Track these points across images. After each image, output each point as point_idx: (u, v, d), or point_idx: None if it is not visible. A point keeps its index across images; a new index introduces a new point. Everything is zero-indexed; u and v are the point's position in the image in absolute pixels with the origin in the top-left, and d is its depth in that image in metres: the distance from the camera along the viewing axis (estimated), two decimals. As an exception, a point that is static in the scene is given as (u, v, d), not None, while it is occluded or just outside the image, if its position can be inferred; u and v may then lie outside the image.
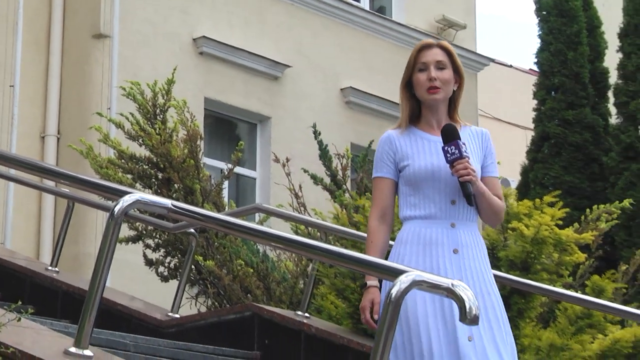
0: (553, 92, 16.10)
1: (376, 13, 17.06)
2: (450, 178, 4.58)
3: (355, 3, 16.75)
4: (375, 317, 4.52)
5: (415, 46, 4.87)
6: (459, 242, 4.57)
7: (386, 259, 4.81)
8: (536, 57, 16.51)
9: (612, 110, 16.20)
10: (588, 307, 8.33)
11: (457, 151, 4.52)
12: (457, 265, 4.54)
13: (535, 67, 17.39)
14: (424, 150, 4.69)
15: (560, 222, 8.09)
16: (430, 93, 4.72)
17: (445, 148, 4.56)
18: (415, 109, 4.83)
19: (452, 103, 4.85)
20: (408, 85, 4.83)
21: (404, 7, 17.44)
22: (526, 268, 7.96)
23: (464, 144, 4.58)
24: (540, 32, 16.51)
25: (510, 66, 24.53)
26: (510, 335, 4.63)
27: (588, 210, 9.71)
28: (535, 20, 16.69)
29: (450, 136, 4.59)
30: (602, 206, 9.88)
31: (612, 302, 8.47)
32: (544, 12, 16.44)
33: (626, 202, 10.09)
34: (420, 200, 4.64)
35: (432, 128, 4.75)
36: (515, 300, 7.88)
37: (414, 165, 4.67)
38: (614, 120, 16.18)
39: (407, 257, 4.60)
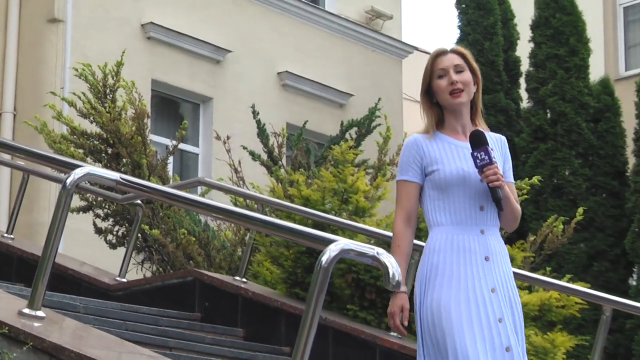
0: (471, 78, 16.17)
1: (310, 3, 17.03)
2: (479, 184, 4.33)
3: (291, -6, 16.72)
4: (405, 323, 4.26)
5: (432, 54, 4.55)
6: (489, 249, 4.31)
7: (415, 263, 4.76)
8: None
9: (524, 95, 16.33)
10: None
11: (486, 157, 4.28)
12: (490, 273, 4.27)
13: (454, 55, 17.45)
14: (452, 156, 4.39)
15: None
16: (454, 97, 4.42)
17: (475, 154, 4.31)
18: (438, 115, 4.52)
19: (473, 106, 4.53)
20: (427, 94, 4.54)
21: (336, -2, 17.45)
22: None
23: (492, 149, 4.32)
24: (459, 24, 16.60)
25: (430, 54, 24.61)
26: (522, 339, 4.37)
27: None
28: (455, 12, 16.78)
29: (479, 142, 4.33)
30: (513, 182, 9.95)
31: (521, 269, 8.57)
32: (463, 5, 16.52)
33: (535, 179, 10.20)
34: (450, 205, 4.37)
35: (458, 133, 4.47)
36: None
37: (444, 170, 4.37)
38: (525, 104, 16.32)
39: (441, 265, 4.28)
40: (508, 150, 4.55)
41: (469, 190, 4.34)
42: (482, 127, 4.49)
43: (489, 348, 4.14)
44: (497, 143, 4.50)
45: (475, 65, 4.50)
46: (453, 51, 4.51)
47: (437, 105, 4.51)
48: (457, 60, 4.46)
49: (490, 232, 4.34)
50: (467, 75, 4.44)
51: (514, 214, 4.42)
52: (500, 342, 4.17)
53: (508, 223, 4.44)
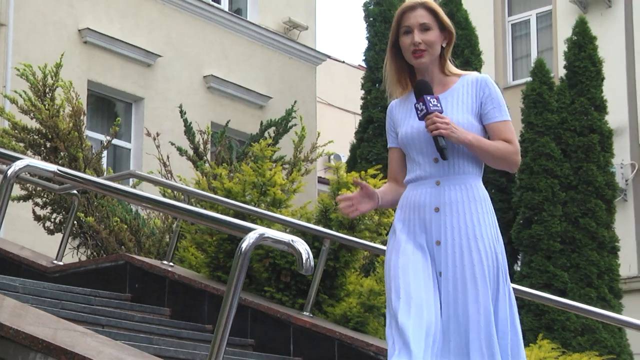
0: (377, 85, 16.27)
1: (234, 14, 17.00)
2: (430, 136, 3.76)
3: (216, 4, 16.68)
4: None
5: (399, 8, 3.93)
6: (441, 200, 3.75)
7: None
8: (364, 55, 16.65)
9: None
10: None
11: (424, 107, 3.72)
12: (437, 224, 3.73)
13: (363, 64, 17.54)
14: (409, 115, 3.88)
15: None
16: (416, 57, 3.84)
17: (416, 105, 3.77)
18: (408, 71, 3.94)
19: (442, 58, 3.93)
20: (396, 47, 3.93)
21: (257, 9, 17.42)
22: (352, 228, 8.05)
23: (435, 97, 3.75)
24: (367, 35, 16.65)
25: (343, 62, 24.72)
26: (487, 294, 3.70)
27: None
28: (364, 24, 16.84)
29: (419, 92, 3.78)
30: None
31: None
32: (371, 19, 16.59)
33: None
34: (411, 164, 3.87)
35: None
36: (342, 254, 7.97)
37: (401, 132, 3.89)
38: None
39: (395, 224, 3.85)
40: (491, 89, 3.87)
41: (420, 144, 3.82)
42: (454, 72, 3.93)
43: (426, 301, 3.66)
44: (472, 85, 3.87)
45: (445, 20, 3.91)
46: (422, 6, 3.90)
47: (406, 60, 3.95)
48: (425, 17, 3.87)
49: (448, 182, 3.78)
50: (432, 35, 3.86)
51: (491, 155, 3.79)
52: (436, 297, 3.69)
53: (495, 164, 3.84)
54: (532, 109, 14.65)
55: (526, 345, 9.58)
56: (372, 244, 7.83)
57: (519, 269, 14.73)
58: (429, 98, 3.74)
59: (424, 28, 3.85)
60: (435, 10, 3.90)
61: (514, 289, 8.26)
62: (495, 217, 3.84)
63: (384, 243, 8.81)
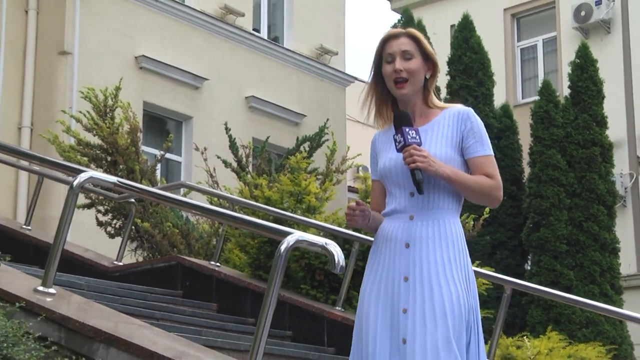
0: (400, 103, 16.23)
1: (271, 41, 17.03)
2: (407, 169, 3.27)
3: (256, 33, 16.71)
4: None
5: (382, 36, 3.44)
6: (412, 235, 3.26)
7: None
8: (388, 77, 16.62)
9: (442, 117, 16.40)
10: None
11: (402, 138, 3.25)
12: (406, 260, 3.24)
13: (387, 85, 17.50)
14: (389, 146, 3.39)
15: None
16: (398, 88, 3.36)
17: (394, 137, 3.29)
18: (391, 102, 3.45)
19: (426, 90, 3.43)
20: (379, 77, 3.44)
21: (293, 37, 17.44)
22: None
23: (414, 130, 3.26)
24: (391, 59, 16.62)
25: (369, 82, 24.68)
26: (444, 331, 3.15)
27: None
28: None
29: (398, 124, 3.30)
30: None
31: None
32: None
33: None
34: (389, 197, 3.40)
35: None
36: (370, 255, 7.93)
37: (380, 163, 3.42)
38: (443, 124, 16.38)
39: (370, 258, 3.44)
40: (473, 122, 3.36)
41: (397, 178, 3.34)
42: (438, 105, 3.43)
43: (390, 341, 3.20)
44: (454, 118, 3.37)
45: (429, 49, 3.41)
46: (405, 34, 3.41)
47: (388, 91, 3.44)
48: (407, 45, 3.37)
49: (421, 217, 3.29)
50: (414, 63, 3.36)
51: (470, 190, 3.29)
52: (398, 335, 3.19)
53: (475, 199, 3.36)
54: (540, 124, 14.57)
55: (536, 336, 9.51)
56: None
57: (528, 268, 14.62)
58: (407, 130, 3.27)
59: (407, 56, 3.37)
60: (418, 39, 3.41)
61: (525, 286, 8.21)
62: (469, 256, 3.35)
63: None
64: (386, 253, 3.32)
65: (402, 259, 3.27)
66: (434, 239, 3.25)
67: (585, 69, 14.76)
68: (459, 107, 3.41)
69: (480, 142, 3.35)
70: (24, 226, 9.30)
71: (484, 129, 3.38)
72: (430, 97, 3.43)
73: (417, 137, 3.27)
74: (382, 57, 3.41)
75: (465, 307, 3.21)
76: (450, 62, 16.03)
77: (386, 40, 3.40)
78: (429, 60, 3.40)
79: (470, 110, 3.41)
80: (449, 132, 3.34)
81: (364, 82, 24.19)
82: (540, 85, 15.44)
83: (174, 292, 7.98)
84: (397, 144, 3.28)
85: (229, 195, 9.26)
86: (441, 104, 3.44)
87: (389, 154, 3.38)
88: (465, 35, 15.89)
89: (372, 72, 3.46)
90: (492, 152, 3.36)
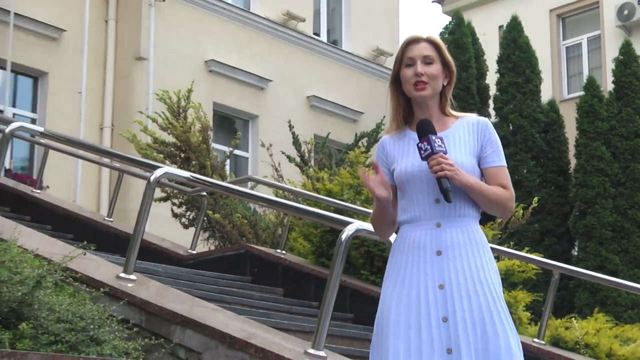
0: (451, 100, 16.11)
1: (331, 44, 17.02)
2: (432, 176, 3.03)
3: (316, 37, 16.72)
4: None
5: (403, 41, 3.24)
6: (443, 242, 3.02)
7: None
8: (440, 76, 16.51)
9: (492, 112, 16.23)
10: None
11: (429, 147, 3.01)
12: (440, 268, 2.99)
13: (439, 83, 17.37)
14: (408, 152, 3.14)
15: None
16: (417, 89, 3.13)
17: (419, 145, 3.05)
18: (407, 108, 3.23)
19: (443, 97, 3.23)
20: (397, 82, 3.23)
21: (350, 40, 17.40)
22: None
23: (439, 138, 3.04)
24: (443, 59, 16.50)
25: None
26: (502, 337, 2.93)
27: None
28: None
29: (422, 132, 3.06)
30: (484, 178, 9.90)
31: (491, 244, 8.51)
32: (446, 45, 16.42)
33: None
34: (408, 203, 3.11)
35: None
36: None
37: (399, 168, 3.14)
38: (492, 120, 16.22)
39: (392, 266, 3.11)
40: (491, 133, 3.18)
41: (420, 184, 3.08)
42: (453, 114, 3.23)
43: (427, 351, 2.91)
44: (473, 128, 3.17)
45: (448, 57, 3.24)
46: (426, 40, 3.22)
47: (406, 96, 3.22)
48: (428, 50, 3.19)
49: (450, 224, 3.05)
50: (435, 68, 3.17)
51: (488, 200, 3.07)
52: (441, 344, 2.91)
53: (490, 210, 3.13)
54: (585, 118, 14.36)
55: (583, 318, 9.36)
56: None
57: (575, 253, 14.42)
58: (434, 138, 3.03)
59: (427, 61, 3.17)
60: (438, 45, 3.23)
61: (573, 270, 8.06)
62: (495, 262, 3.13)
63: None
64: (414, 261, 3.03)
65: (434, 267, 3.00)
66: (465, 245, 3.03)
67: (628, 65, 14.50)
68: (476, 116, 3.23)
69: (497, 152, 3.17)
70: (107, 218, 9.43)
71: (499, 140, 3.22)
72: (447, 104, 3.23)
73: (443, 146, 3.05)
74: (402, 61, 3.20)
75: (502, 301, 3.02)
76: (499, 61, 15.88)
77: (407, 45, 3.20)
78: (447, 68, 3.22)
79: (488, 120, 3.23)
80: (469, 141, 3.15)
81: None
82: (585, 81, 15.21)
83: (244, 278, 8.02)
84: (422, 151, 3.03)
85: (293, 188, 9.28)
86: (456, 112, 3.24)
87: (410, 159, 3.12)
88: (513, 35, 15.72)
89: (391, 78, 3.24)
90: (506, 164, 3.19)
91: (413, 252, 3.04)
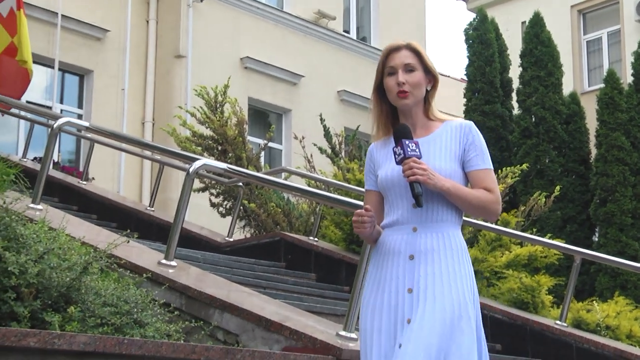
0: (476, 94, 15.99)
1: (360, 41, 16.97)
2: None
3: (346, 35, 16.68)
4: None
5: (384, 49, 3.15)
6: (417, 247, 2.90)
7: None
8: (465, 70, 16.39)
9: (515, 105, 16.10)
10: (499, 234, 8.34)
11: (401, 151, 2.90)
12: (411, 272, 2.88)
13: (464, 77, 17.26)
14: (390, 157, 3.00)
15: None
16: (400, 97, 3.02)
17: (394, 149, 2.94)
18: (392, 114, 3.11)
19: (427, 102, 3.11)
20: (380, 89, 3.13)
21: (379, 37, 17.33)
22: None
23: (413, 142, 2.91)
24: (467, 54, 16.37)
25: (448, 76, 24.39)
26: (463, 343, 2.80)
27: (500, 171, 9.69)
28: (465, 46, 16.58)
29: (397, 136, 2.95)
30: (508, 168, 9.86)
31: (514, 230, 8.46)
32: (470, 41, 16.30)
33: (524, 166, 10.11)
34: (389, 208, 3.01)
35: None
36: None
37: (381, 174, 3.03)
38: (516, 112, 16.09)
39: (370, 270, 3.04)
40: (475, 136, 3.04)
41: (399, 189, 2.96)
42: (439, 118, 3.10)
43: (391, 352, 2.83)
44: (456, 131, 3.04)
45: (429, 63, 3.12)
46: (407, 47, 3.12)
47: (390, 103, 3.10)
48: (409, 58, 3.07)
49: (425, 229, 2.92)
50: (416, 76, 3.05)
51: (469, 204, 2.93)
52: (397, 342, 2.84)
53: (474, 213, 3.00)
54: (605, 109, 14.21)
55: (604, 301, 9.27)
56: (474, 220, 7.69)
57: (596, 239, 14.28)
58: (407, 142, 2.90)
59: (409, 69, 3.05)
60: (419, 52, 3.11)
61: (594, 255, 7.99)
62: (472, 268, 2.97)
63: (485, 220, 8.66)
64: (390, 266, 2.93)
65: (406, 271, 2.89)
66: (438, 251, 2.90)
67: (647, 58, 14.32)
68: (460, 120, 3.10)
69: (481, 155, 3.01)
70: (148, 208, 9.51)
71: (485, 143, 3.07)
72: (431, 109, 3.10)
73: (417, 150, 2.91)
74: (383, 69, 3.10)
75: (474, 315, 2.87)
76: (522, 55, 15.75)
77: (388, 54, 3.10)
78: (430, 73, 3.09)
79: (472, 123, 3.09)
80: (451, 145, 3.01)
81: (443, 75, 23.90)
82: (605, 74, 15.03)
83: (278, 264, 8.05)
84: (396, 156, 2.92)
85: (324, 178, 9.27)
86: (442, 116, 3.11)
87: (391, 165, 2.99)
88: (536, 31, 15.57)
89: (374, 85, 3.12)
90: (491, 167, 3.04)
91: (388, 256, 2.95)
